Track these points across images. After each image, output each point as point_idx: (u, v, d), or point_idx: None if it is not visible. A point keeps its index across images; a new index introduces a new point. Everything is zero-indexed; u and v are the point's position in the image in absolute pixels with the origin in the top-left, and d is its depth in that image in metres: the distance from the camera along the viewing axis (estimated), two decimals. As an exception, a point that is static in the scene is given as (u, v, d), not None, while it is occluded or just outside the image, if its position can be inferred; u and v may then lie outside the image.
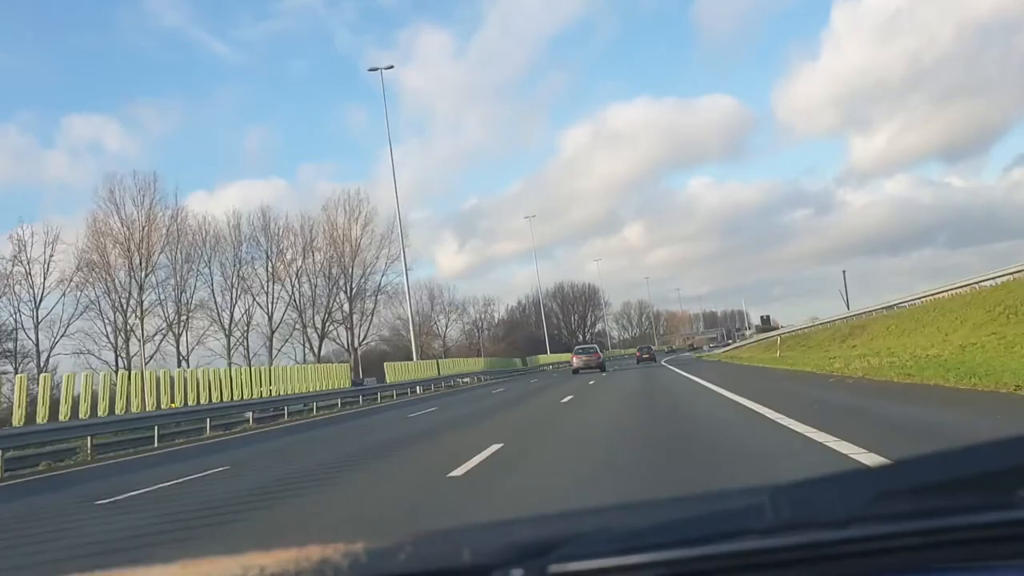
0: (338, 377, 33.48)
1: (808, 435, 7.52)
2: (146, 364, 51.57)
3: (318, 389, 30.55)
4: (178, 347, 56.81)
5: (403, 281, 60.63)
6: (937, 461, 0.81)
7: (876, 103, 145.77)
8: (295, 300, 64.56)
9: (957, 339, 17.65)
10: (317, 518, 6.03)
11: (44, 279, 50.11)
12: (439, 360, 50.32)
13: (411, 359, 48.68)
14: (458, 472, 7.65)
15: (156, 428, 19.30)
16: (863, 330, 29.48)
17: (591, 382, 28.21)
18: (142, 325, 54.11)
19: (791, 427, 8.34)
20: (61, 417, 16.95)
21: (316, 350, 64.63)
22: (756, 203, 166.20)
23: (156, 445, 18.29)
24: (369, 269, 67.27)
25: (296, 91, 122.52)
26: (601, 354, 45.88)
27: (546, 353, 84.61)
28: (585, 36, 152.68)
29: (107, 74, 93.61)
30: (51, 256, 50.30)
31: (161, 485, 9.42)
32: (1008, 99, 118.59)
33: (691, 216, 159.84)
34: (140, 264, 54.43)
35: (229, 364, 52.49)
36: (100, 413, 18.51)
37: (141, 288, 54.33)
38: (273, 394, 27.01)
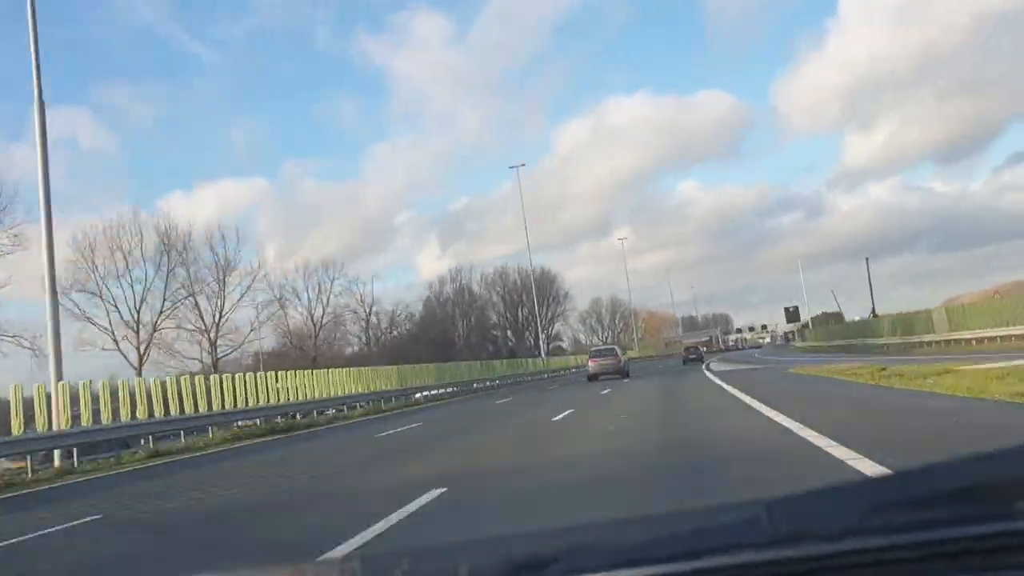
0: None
1: None
2: None
3: None
4: None
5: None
6: (931, 473, 0.82)
7: (876, 99, 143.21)
8: None
9: None
10: None
11: None
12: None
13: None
14: None
15: None
16: None
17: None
18: None
19: None
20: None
21: None
22: (744, 207, 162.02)
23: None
24: None
25: (280, 85, 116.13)
26: (622, 357, 38.07)
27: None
28: (588, 24, 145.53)
29: (77, 67, 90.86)
30: None
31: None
32: (1006, 98, 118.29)
33: (679, 221, 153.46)
34: None
35: None
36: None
37: None
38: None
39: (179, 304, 49.98)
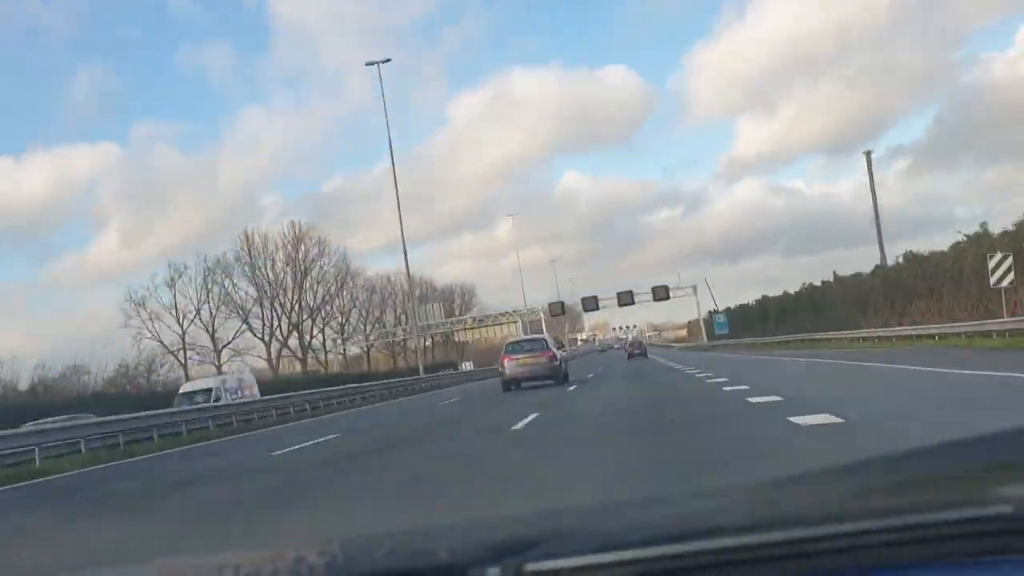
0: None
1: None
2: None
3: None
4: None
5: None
6: (910, 459, 0.82)
7: (782, 83, 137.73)
8: None
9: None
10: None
11: None
12: None
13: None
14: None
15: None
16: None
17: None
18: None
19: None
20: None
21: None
22: (627, 201, 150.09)
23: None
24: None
25: (138, 28, 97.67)
26: (556, 351, 25.95)
27: None
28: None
29: None
30: None
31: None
32: (904, 87, 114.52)
33: (561, 214, 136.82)
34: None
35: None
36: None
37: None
38: None
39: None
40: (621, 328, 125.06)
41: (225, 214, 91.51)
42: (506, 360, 24.54)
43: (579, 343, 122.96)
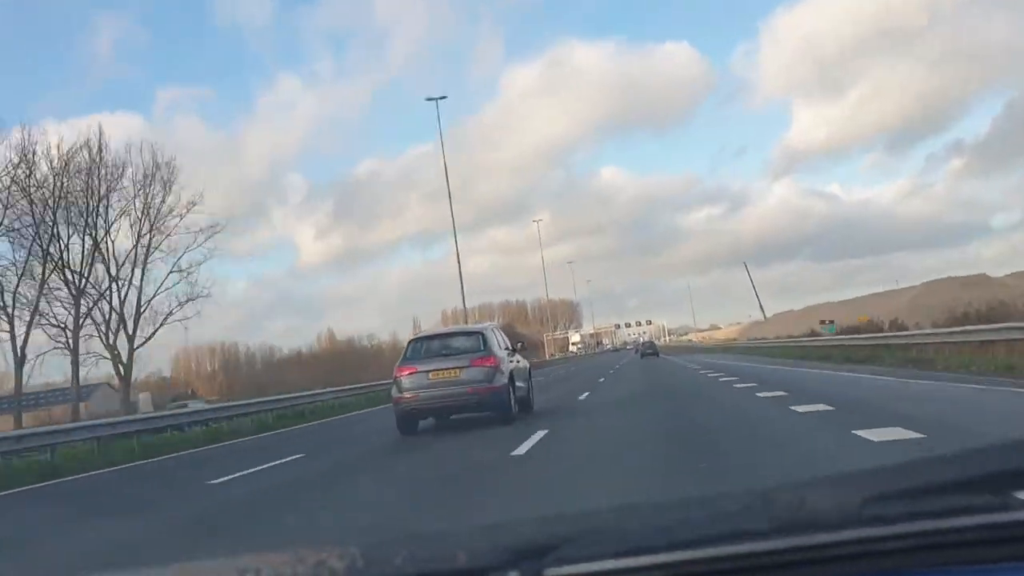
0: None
1: None
2: None
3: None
4: None
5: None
6: (931, 464, 0.82)
7: (856, 62, 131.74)
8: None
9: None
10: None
11: None
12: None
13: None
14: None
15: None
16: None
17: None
18: None
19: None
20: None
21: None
22: (665, 198, 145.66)
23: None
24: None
25: None
26: (505, 356, 12.55)
27: None
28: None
29: None
30: None
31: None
32: (983, 71, 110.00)
33: (596, 209, 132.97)
34: None
35: None
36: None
37: None
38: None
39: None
40: (632, 325, 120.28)
41: (253, 192, 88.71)
42: (404, 374, 12.29)
43: (571, 348, 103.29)
